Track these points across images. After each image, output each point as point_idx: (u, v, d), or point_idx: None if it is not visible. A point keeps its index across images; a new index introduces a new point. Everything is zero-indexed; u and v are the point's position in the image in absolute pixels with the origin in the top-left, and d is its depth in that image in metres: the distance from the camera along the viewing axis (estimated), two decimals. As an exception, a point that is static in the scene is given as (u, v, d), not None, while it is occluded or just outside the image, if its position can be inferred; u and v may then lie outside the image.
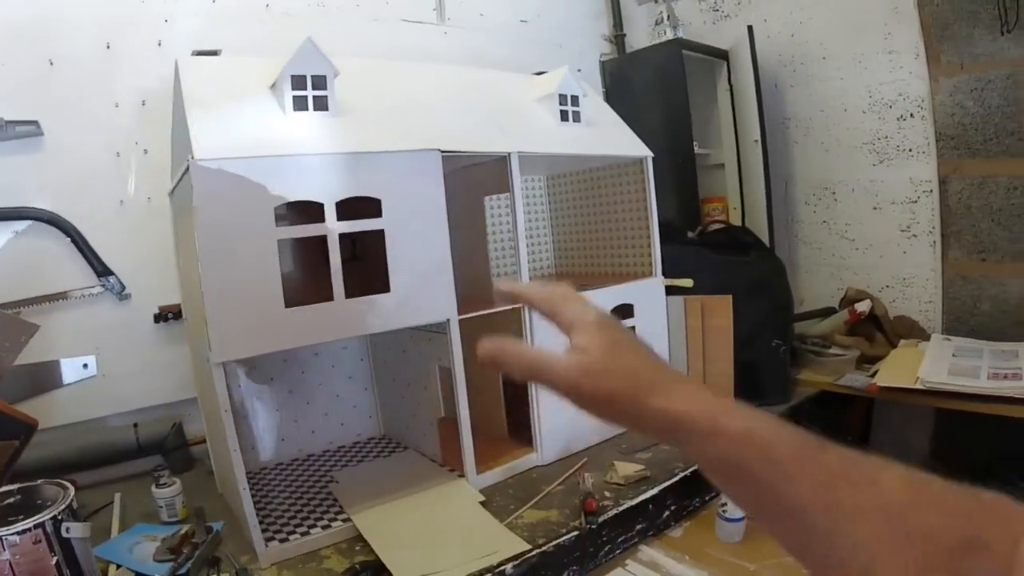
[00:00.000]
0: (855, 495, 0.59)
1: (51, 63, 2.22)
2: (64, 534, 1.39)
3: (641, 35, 3.64)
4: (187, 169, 1.49)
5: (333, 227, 1.59)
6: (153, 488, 1.88)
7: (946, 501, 0.57)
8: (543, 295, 0.81)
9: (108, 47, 2.30)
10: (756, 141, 3.13)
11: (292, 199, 1.55)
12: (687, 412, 0.65)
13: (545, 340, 1.88)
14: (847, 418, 2.60)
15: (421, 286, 1.72)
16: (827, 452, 0.62)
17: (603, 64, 3.44)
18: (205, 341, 1.53)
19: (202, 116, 1.57)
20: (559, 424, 2.00)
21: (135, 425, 2.26)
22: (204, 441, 2.28)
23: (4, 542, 1.31)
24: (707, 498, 1.90)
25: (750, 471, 0.62)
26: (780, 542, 0.65)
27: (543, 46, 3.20)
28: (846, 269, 3.22)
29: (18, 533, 1.32)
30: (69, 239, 2.22)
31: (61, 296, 2.22)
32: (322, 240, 1.61)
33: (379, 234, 1.66)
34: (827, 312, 3.06)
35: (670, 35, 3.29)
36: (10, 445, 1.70)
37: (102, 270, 2.26)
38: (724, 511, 1.74)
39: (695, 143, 3.08)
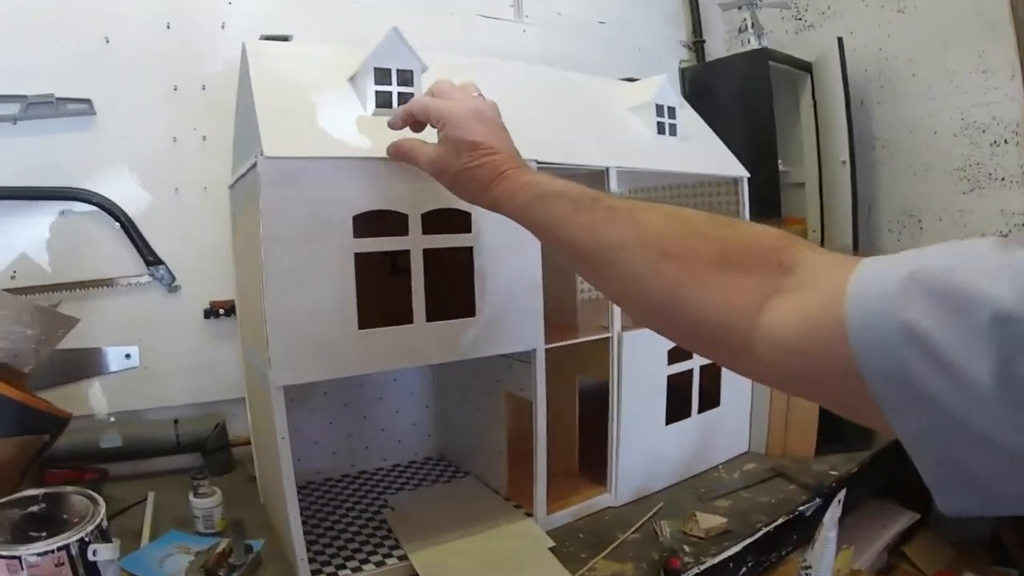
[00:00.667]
0: (616, 232, 0.81)
1: (107, 40, 2.12)
2: (91, 557, 1.25)
3: (718, 43, 3.51)
4: (254, 165, 1.35)
5: (418, 241, 1.44)
6: (191, 497, 1.76)
7: (707, 230, 0.76)
8: (419, 105, 1.22)
9: (168, 27, 2.19)
10: (844, 162, 2.97)
11: (375, 208, 1.39)
12: (494, 200, 1.07)
13: (633, 368, 1.82)
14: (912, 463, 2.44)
15: (509, 311, 1.57)
16: (598, 201, 0.88)
17: (683, 71, 3.31)
18: (263, 355, 1.38)
19: (272, 107, 1.42)
20: (636, 462, 1.86)
21: (175, 421, 2.16)
22: (247, 443, 2.15)
23: (23, 561, 1.17)
24: (786, 551, 1.78)
25: (541, 225, 0.97)
26: (583, 278, 0.98)
27: (622, 49, 3.08)
28: (929, 304, 3.00)
29: (39, 554, 1.18)
30: (118, 224, 2.12)
31: (107, 283, 2.12)
32: (384, 254, 1.48)
33: (461, 251, 1.51)
34: None
35: (755, 44, 3.08)
36: (38, 439, 1.61)
37: (152, 259, 2.16)
38: (805, 573, 1.63)
39: (779, 160, 2.93)
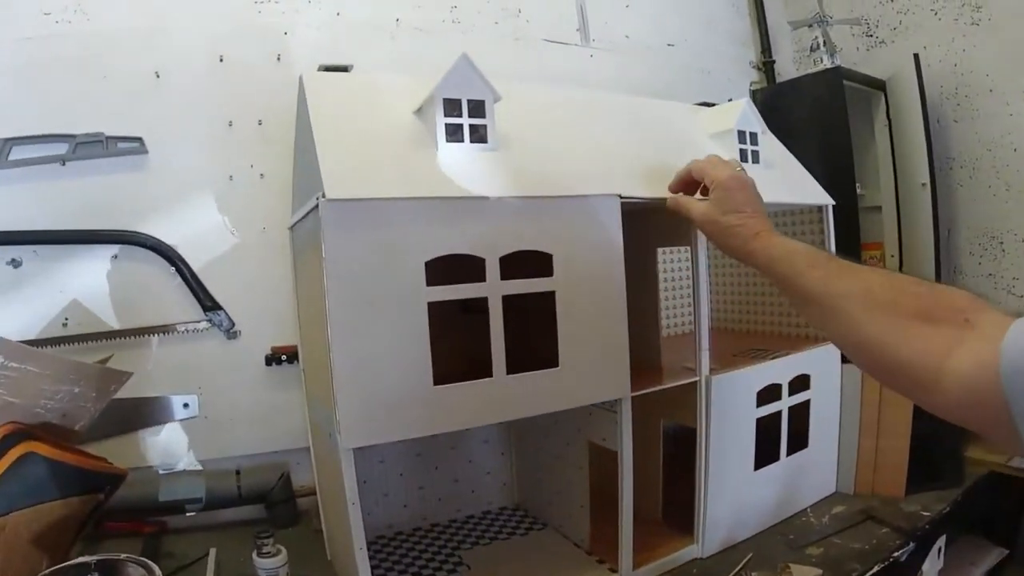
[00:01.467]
0: (844, 284, 1.03)
1: (157, 76, 2.07)
2: None
3: (787, 63, 3.42)
4: (315, 207, 1.26)
5: (496, 288, 1.33)
6: (254, 556, 1.67)
7: (907, 287, 0.98)
8: (695, 167, 1.47)
9: (221, 60, 2.14)
10: (924, 185, 2.84)
11: (449, 252, 1.30)
12: (748, 249, 1.28)
13: (721, 412, 1.73)
14: (1000, 498, 2.31)
15: (594, 360, 1.47)
16: (831, 261, 1.11)
17: (753, 93, 3.19)
18: (329, 412, 1.30)
19: (333, 143, 1.34)
20: (724, 511, 1.76)
21: (237, 472, 2.09)
22: (312, 493, 2.08)
23: None
24: None
25: (782, 275, 1.18)
26: (798, 312, 1.49)
27: (691, 72, 3.01)
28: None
29: None
30: (174, 268, 2.06)
31: (163, 330, 2.06)
32: (442, 307, 1.35)
33: (541, 296, 1.41)
34: None
35: (827, 63, 2.95)
36: (93, 498, 1.55)
37: (209, 304, 2.09)
38: None
39: (857, 184, 2.81)
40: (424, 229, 1.28)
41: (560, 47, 2.70)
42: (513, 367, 1.36)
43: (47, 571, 1.29)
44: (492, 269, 1.33)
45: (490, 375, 1.34)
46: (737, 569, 1.68)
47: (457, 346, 1.38)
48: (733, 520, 1.80)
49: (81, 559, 1.33)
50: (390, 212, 1.26)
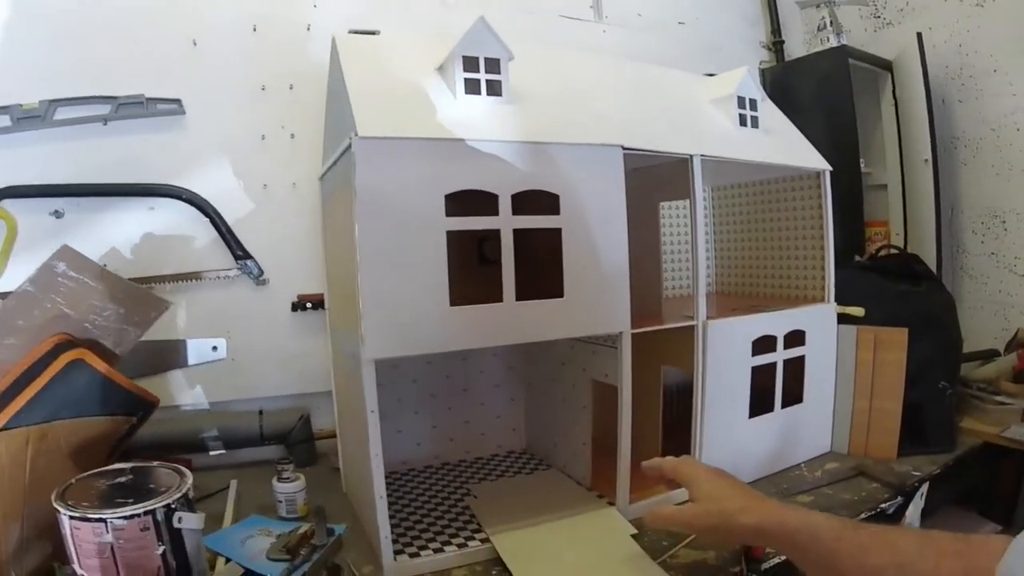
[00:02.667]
0: (877, 558, 0.92)
1: (195, 43, 2.20)
2: (176, 524, 1.30)
3: (797, 42, 3.49)
4: (346, 148, 1.39)
5: (508, 221, 1.46)
6: (274, 481, 1.81)
7: (946, 547, 0.87)
8: (668, 466, 1.40)
9: (255, 29, 2.27)
10: (926, 161, 2.93)
11: (466, 187, 1.42)
12: (759, 523, 1.12)
13: (717, 357, 1.82)
14: (999, 471, 2.38)
15: (596, 294, 1.59)
16: (859, 530, 0.99)
17: (763, 72, 3.30)
18: (354, 335, 1.42)
19: (365, 93, 1.46)
20: (719, 455, 1.83)
21: (260, 412, 2.22)
22: (331, 436, 2.21)
23: (108, 524, 1.23)
24: None
25: (803, 548, 1.04)
26: None
27: (701, 49, 3.09)
28: (1013, 307, 2.92)
29: (125, 518, 1.24)
30: (208, 220, 2.18)
31: (196, 276, 2.19)
32: (471, 235, 1.54)
33: (548, 233, 1.53)
34: (990, 354, 2.83)
35: (834, 42, 3.06)
36: (127, 421, 1.66)
37: (240, 253, 2.22)
38: None
39: (861, 161, 2.90)
40: (444, 166, 1.40)
41: (574, 22, 2.81)
42: (523, 296, 1.49)
43: (84, 475, 1.41)
44: (504, 204, 1.45)
45: (501, 300, 1.46)
46: None
47: (476, 293, 1.49)
48: (728, 466, 1.83)
49: (117, 465, 1.46)
50: (414, 150, 1.38)
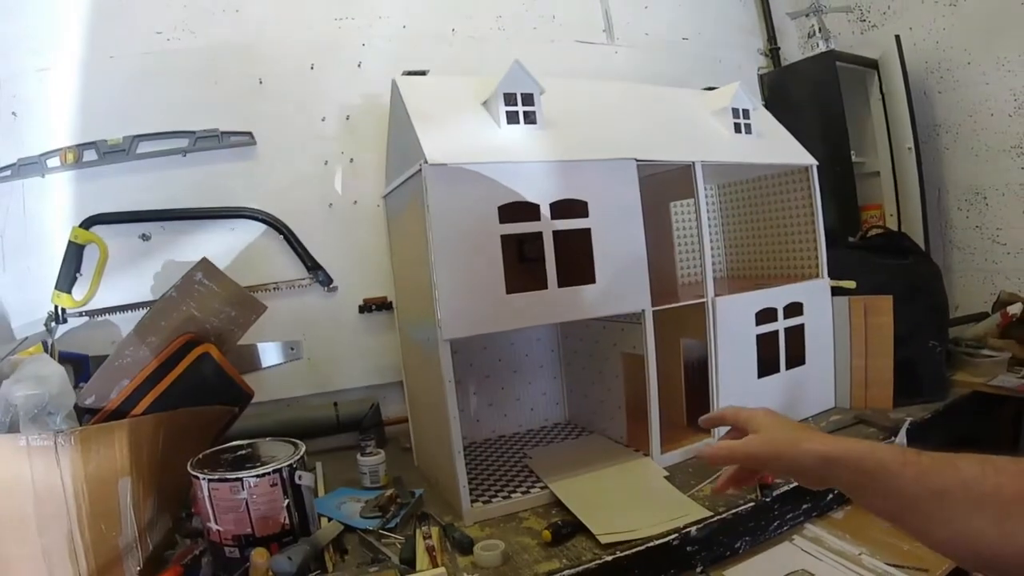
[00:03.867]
0: (941, 478, 0.89)
1: (260, 82, 2.50)
2: (297, 481, 1.63)
3: (793, 47, 3.74)
4: (415, 172, 1.73)
5: (548, 225, 1.79)
6: (358, 456, 2.10)
7: (1007, 467, 0.85)
8: (729, 413, 1.26)
9: (312, 68, 2.57)
10: (909, 148, 3.21)
11: (514, 200, 1.75)
12: (826, 449, 1.03)
13: (726, 328, 2.10)
14: (998, 418, 2.62)
15: (621, 279, 1.89)
16: (921, 455, 0.94)
17: (761, 77, 3.56)
18: (428, 323, 1.76)
19: (428, 126, 1.79)
20: None
21: (335, 404, 2.49)
22: (399, 422, 2.51)
23: (244, 483, 1.55)
24: None
25: (871, 474, 0.96)
26: (887, 519, 1.00)
27: (704, 61, 3.34)
28: (998, 273, 3.21)
29: (258, 476, 1.56)
30: (282, 236, 2.48)
31: (274, 286, 2.48)
32: (513, 239, 1.84)
33: (579, 233, 1.84)
34: (980, 317, 3.09)
35: (822, 47, 3.36)
36: (229, 410, 1.93)
37: (312, 264, 2.51)
38: None
39: (852, 152, 3.16)
40: (495, 183, 1.74)
41: (589, 46, 3.09)
42: (563, 284, 1.81)
43: (208, 451, 1.74)
44: (545, 211, 1.78)
45: (546, 287, 1.79)
46: None
47: (522, 284, 1.80)
48: None
49: (236, 442, 1.80)
50: (470, 171, 1.72)
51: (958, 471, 0.89)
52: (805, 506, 1.87)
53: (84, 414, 1.67)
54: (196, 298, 1.88)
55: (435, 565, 1.54)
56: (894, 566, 1.63)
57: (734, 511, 1.72)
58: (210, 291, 1.90)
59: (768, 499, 1.78)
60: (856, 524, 1.84)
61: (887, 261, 2.50)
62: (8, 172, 2.34)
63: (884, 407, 2.32)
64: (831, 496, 1.92)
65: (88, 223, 2.34)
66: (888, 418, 2.20)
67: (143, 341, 1.78)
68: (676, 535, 1.62)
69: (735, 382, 2.13)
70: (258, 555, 1.51)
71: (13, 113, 2.36)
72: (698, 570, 1.66)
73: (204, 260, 1.91)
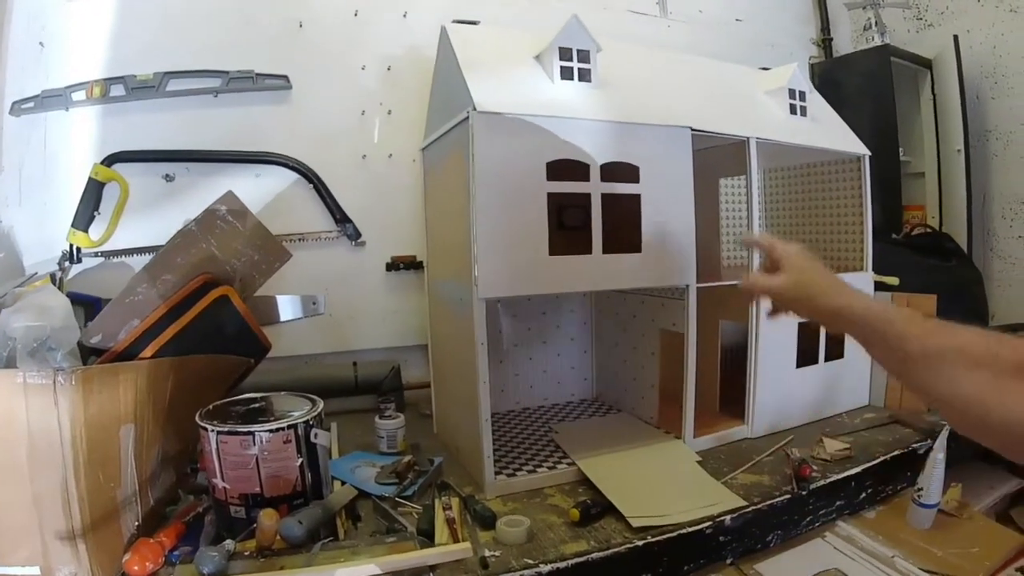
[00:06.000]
0: (939, 339, 0.99)
1: (300, 25, 2.42)
2: (312, 440, 1.54)
3: (845, 39, 3.67)
4: (461, 120, 1.65)
5: (597, 187, 1.70)
6: (377, 419, 2.03)
7: (1004, 340, 0.93)
8: (766, 241, 1.40)
9: (356, 14, 2.49)
10: (959, 151, 3.13)
11: (564, 157, 1.67)
12: (839, 305, 1.19)
13: (767, 309, 1.97)
14: None
15: (668, 251, 1.82)
16: (927, 319, 1.05)
17: (812, 66, 3.49)
18: (461, 282, 1.69)
19: (477, 75, 1.70)
20: (770, 401, 2.08)
21: (354, 364, 2.42)
22: (420, 387, 2.45)
23: (256, 438, 1.46)
24: (900, 487, 1.95)
25: (880, 331, 1.09)
26: (893, 373, 1.13)
27: (756, 45, 3.27)
28: (1038, 286, 3.18)
29: (271, 431, 1.47)
30: (312, 186, 2.41)
31: (300, 237, 2.41)
32: (556, 204, 1.72)
33: (627, 199, 1.77)
34: (1017, 328, 2.95)
35: (878, 41, 3.28)
36: (245, 362, 1.83)
37: (341, 217, 2.45)
38: (919, 496, 1.79)
39: (900, 149, 3.09)
40: (545, 139, 1.65)
41: (642, 17, 3.02)
42: (608, 250, 1.73)
43: (220, 401, 1.66)
44: (594, 172, 1.70)
45: (590, 252, 1.71)
46: (779, 445, 1.98)
47: (566, 243, 1.73)
48: (778, 409, 2.12)
49: (250, 394, 1.72)
50: (521, 124, 1.63)
51: (956, 336, 0.99)
52: (839, 503, 1.82)
53: (89, 354, 1.58)
54: (217, 235, 1.79)
55: (456, 539, 1.47)
56: (928, 572, 1.59)
57: (769, 502, 1.66)
58: (233, 229, 1.81)
59: (804, 492, 1.72)
60: (889, 526, 1.80)
61: (930, 261, 2.47)
62: (31, 104, 2.27)
63: (918, 408, 2.25)
64: (864, 495, 1.88)
65: (110, 160, 2.28)
66: (923, 419, 2.14)
67: (157, 278, 1.69)
68: (710, 523, 1.56)
69: (773, 370, 2.08)
70: (267, 516, 1.42)
71: (40, 43, 2.30)
72: (728, 562, 1.61)
73: (229, 193, 1.83)
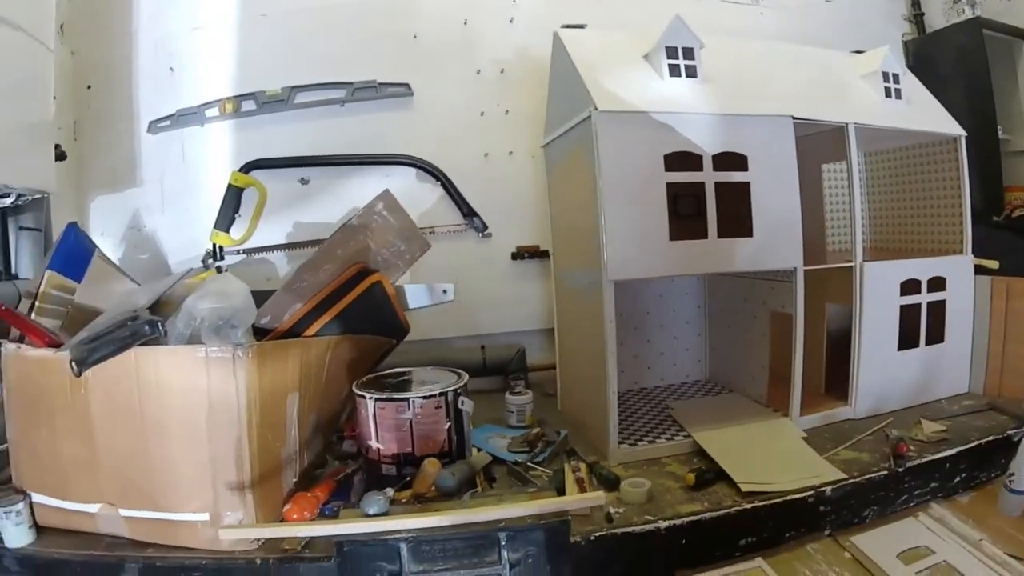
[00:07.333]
0: None
1: (415, 36, 2.62)
2: (459, 407, 1.77)
3: (937, 13, 3.54)
4: (583, 119, 1.82)
5: (711, 176, 1.84)
6: (507, 395, 2.21)
7: None
8: None
9: (465, 23, 2.67)
10: (1063, 128, 2.99)
11: (679, 149, 1.82)
12: None
13: (871, 295, 2.11)
14: None
15: (776, 235, 1.94)
16: None
17: (905, 44, 3.46)
18: (588, 268, 1.86)
19: (595, 76, 1.86)
20: (873, 382, 2.16)
21: (482, 347, 2.60)
22: (544, 368, 2.62)
23: (411, 403, 1.70)
24: (995, 474, 1.95)
25: None
26: None
27: (846, 26, 3.26)
28: None
29: (424, 397, 1.71)
30: (439, 183, 2.59)
31: (430, 230, 2.57)
32: (676, 188, 1.85)
33: (740, 186, 1.89)
34: None
35: (968, 13, 3.22)
36: (388, 342, 2.04)
37: (468, 211, 2.62)
38: (1011, 482, 1.79)
39: (999, 127, 3.05)
40: (661, 133, 1.80)
41: (734, 6, 3.11)
42: (723, 235, 1.87)
43: (371, 375, 1.89)
44: (707, 162, 1.84)
45: (706, 237, 1.85)
46: (880, 426, 2.07)
47: (682, 229, 1.86)
48: (879, 392, 2.20)
49: (398, 369, 1.95)
50: (639, 120, 1.79)
51: None
52: (933, 484, 1.88)
53: (258, 334, 1.76)
54: (373, 229, 1.97)
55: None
56: (1014, 557, 1.61)
57: (867, 476, 1.75)
58: (387, 223, 1.99)
59: (900, 469, 1.80)
60: (980, 511, 1.83)
61: (1033, 244, 2.40)
62: (168, 122, 2.55)
63: (1018, 397, 2.25)
64: (958, 479, 1.93)
65: (247, 168, 2.51)
66: (1021, 408, 2.16)
67: (319, 268, 1.88)
68: (812, 493, 1.67)
69: (876, 352, 2.15)
70: (430, 464, 1.65)
71: (171, 68, 2.56)
72: (826, 532, 1.70)
73: (387, 192, 2.00)
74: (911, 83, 2.44)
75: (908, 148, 2.58)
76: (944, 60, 3.18)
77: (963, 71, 3.08)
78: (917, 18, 3.51)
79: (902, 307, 2.20)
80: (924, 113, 2.37)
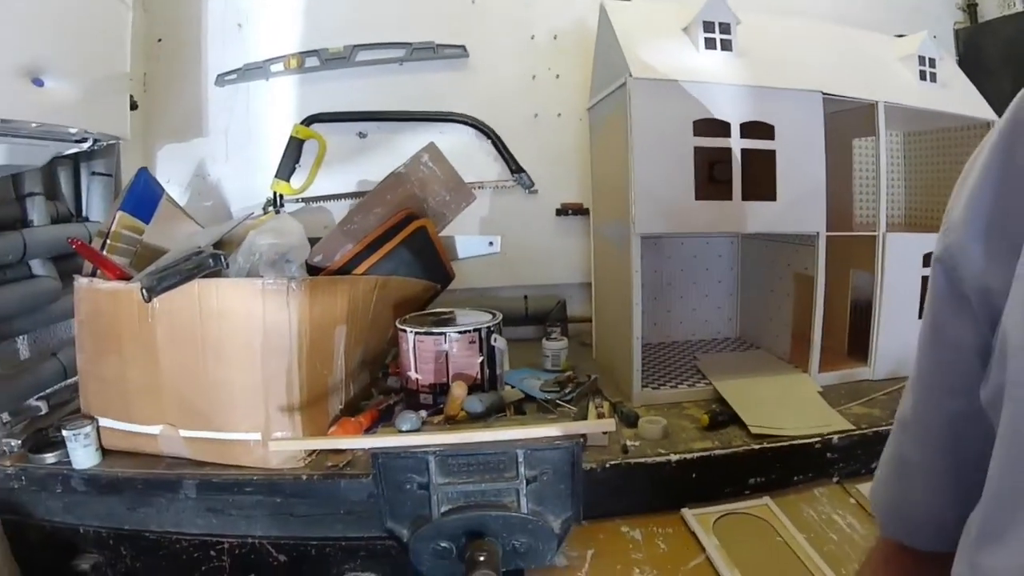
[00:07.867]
0: None
1: (473, 1, 2.73)
2: (492, 343, 1.90)
3: (992, 4, 3.49)
4: (620, 85, 1.94)
5: (737, 143, 1.96)
6: (544, 341, 2.34)
7: None
8: None
9: (523, -11, 2.75)
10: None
11: (708, 116, 1.93)
12: None
13: (893, 264, 2.19)
14: None
15: (800, 201, 2.04)
16: None
17: (956, 32, 3.46)
18: (622, 221, 1.98)
19: (634, 45, 1.99)
20: (893, 346, 2.24)
21: (525, 297, 2.75)
22: (581, 320, 2.75)
23: (447, 338, 1.84)
24: None
25: None
26: None
27: (900, 10, 3.26)
28: None
29: (459, 332, 1.86)
30: (490, 141, 2.72)
31: (480, 184, 2.70)
32: (708, 160, 2.02)
33: (763, 154, 1.99)
34: None
35: (1019, 7, 3.19)
36: (433, 286, 2.19)
37: (516, 168, 2.74)
38: None
39: None
40: (692, 101, 1.92)
41: (792, -15, 3.11)
42: (747, 198, 1.98)
43: (414, 313, 2.02)
44: (735, 130, 1.96)
45: (731, 199, 1.97)
46: (897, 386, 2.13)
47: (710, 192, 2.00)
48: (900, 356, 2.26)
49: (439, 309, 2.08)
50: (671, 87, 1.91)
51: None
52: None
53: (311, 271, 1.93)
54: (420, 177, 2.13)
55: (603, 424, 1.78)
56: None
57: (875, 429, 1.84)
58: (432, 174, 2.15)
59: None
60: None
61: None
62: (235, 76, 2.71)
63: None
64: None
65: (309, 121, 2.66)
66: None
67: (370, 211, 2.04)
68: (819, 440, 1.78)
69: (896, 319, 2.22)
70: (458, 386, 1.81)
71: (239, 24, 2.71)
72: (835, 480, 1.81)
73: (431, 144, 2.16)
74: (948, 68, 2.50)
75: (948, 130, 2.63)
76: (994, 51, 3.21)
77: (1012, 64, 3.08)
78: (971, 8, 3.48)
79: (923, 278, 2.23)
80: (958, 97, 2.42)
